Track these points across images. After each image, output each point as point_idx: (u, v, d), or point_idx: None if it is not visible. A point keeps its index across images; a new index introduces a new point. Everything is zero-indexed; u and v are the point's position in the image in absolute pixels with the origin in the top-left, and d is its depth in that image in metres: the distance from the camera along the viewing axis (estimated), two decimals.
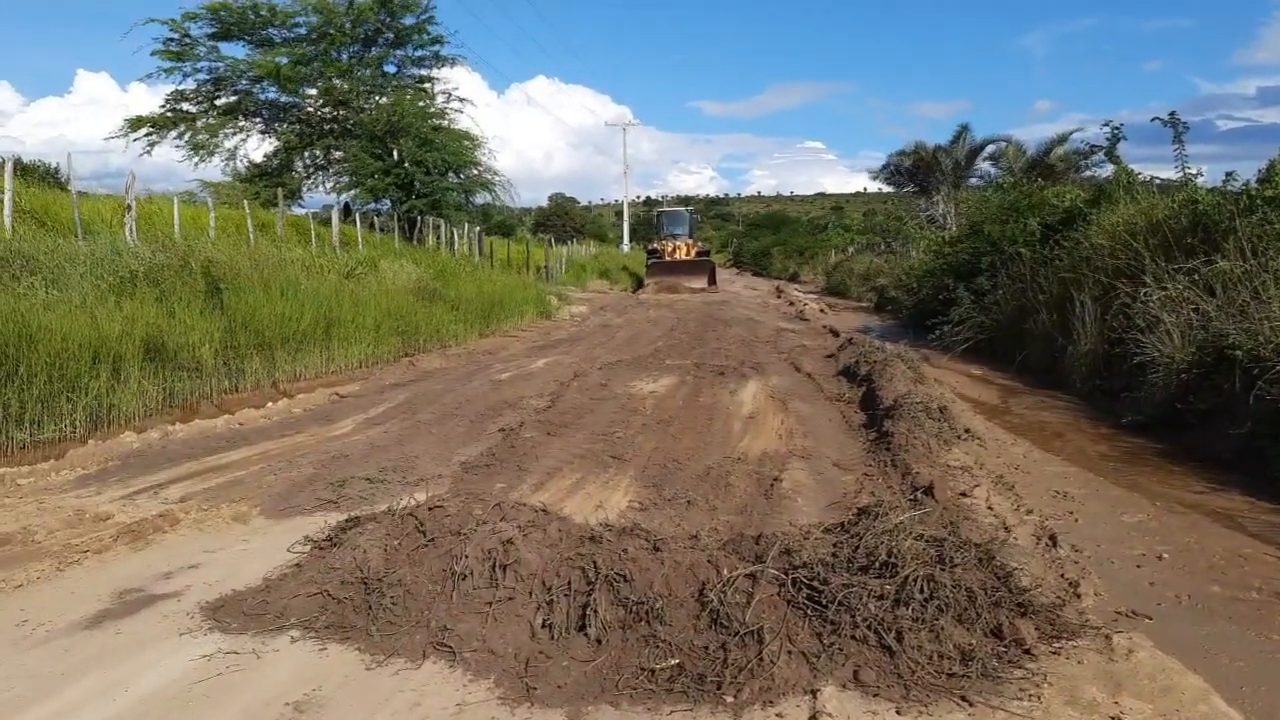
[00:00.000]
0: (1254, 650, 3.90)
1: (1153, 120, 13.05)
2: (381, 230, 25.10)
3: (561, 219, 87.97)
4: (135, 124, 27.22)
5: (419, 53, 30.42)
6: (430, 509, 4.67)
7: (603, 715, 3.33)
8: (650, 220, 48.75)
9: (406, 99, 28.86)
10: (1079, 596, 4.35)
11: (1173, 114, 12.74)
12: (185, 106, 28.08)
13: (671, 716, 3.30)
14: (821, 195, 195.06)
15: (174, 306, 10.41)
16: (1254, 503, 6.19)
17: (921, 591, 3.66)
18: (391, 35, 29.45)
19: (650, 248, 40.80)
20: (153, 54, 26.62)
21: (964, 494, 6.11)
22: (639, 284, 39.18)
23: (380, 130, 27.60)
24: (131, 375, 8.99)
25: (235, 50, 28.20)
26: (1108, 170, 15.44)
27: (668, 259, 36.89)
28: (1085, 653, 3.66)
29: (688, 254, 37.21)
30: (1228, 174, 11.08)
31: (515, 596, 4.00)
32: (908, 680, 3.40)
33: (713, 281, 35.51)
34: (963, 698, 3.31)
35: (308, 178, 30.28)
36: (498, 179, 32.15)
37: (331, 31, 27.83)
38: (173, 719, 3.34)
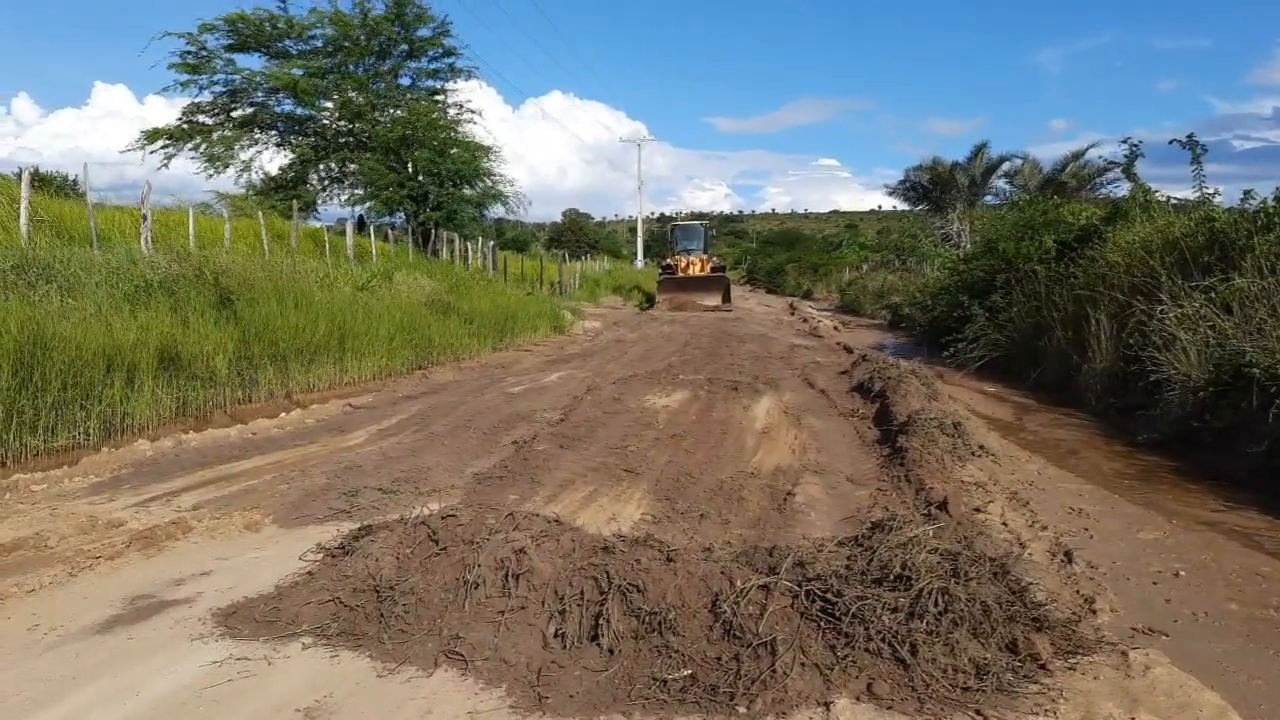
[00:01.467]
0: (1272, 668, 3.86)
1: (1171, 142, 13.05)
2: (395, 243, 25.16)
3: (575, 235, 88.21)
4: (152, 136, 27.36)
5: (434, 65, 30.60)
6: (443, 518, 4.67)
7: None
8: (664, 236, 47.31)
9: (420, 108, 28.96)
10: (1095, 612, 4.32)
11: (1190, 136, 12.74)
12: (201, 119, 28.23)
13: None
14: (836, 213, 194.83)
15: (188, 316, 10.43)
16: (1272, 521, 6.14)
17: (936, 605, 3.63)
18: (406, 47, 29.59)
19: (664, 263, 39.10)
20: (170, 67, 26.79)
21: (978, 509, 6.08)
22: (650, 301, 37.59)
23: (394, 142, 27.71)
24: (145, 384, 9.01)
25: (251, 62, 28.46)
26: (1123, 188, 15.46)
27: (680, 275, 35.20)
28: (1101, 669, 3.62)
29: (702, 269, 35.50)
30: (1246, 192, 11.07)
31: (527, 605, 3.99)
32: (922, 693, 3.37)
33: (727, 299, 33.58)
34: (977, 711, 3.28)
35: (323, 190, 30.41)
36: (511, 189, 32.21)
37: (347, 44, 27.98)
38: None
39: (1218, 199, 12.31)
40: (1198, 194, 12.52)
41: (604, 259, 70.97)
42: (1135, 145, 14.52)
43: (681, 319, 28.05)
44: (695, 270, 35.42)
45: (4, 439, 7.51)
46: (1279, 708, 3.50)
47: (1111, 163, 17.48)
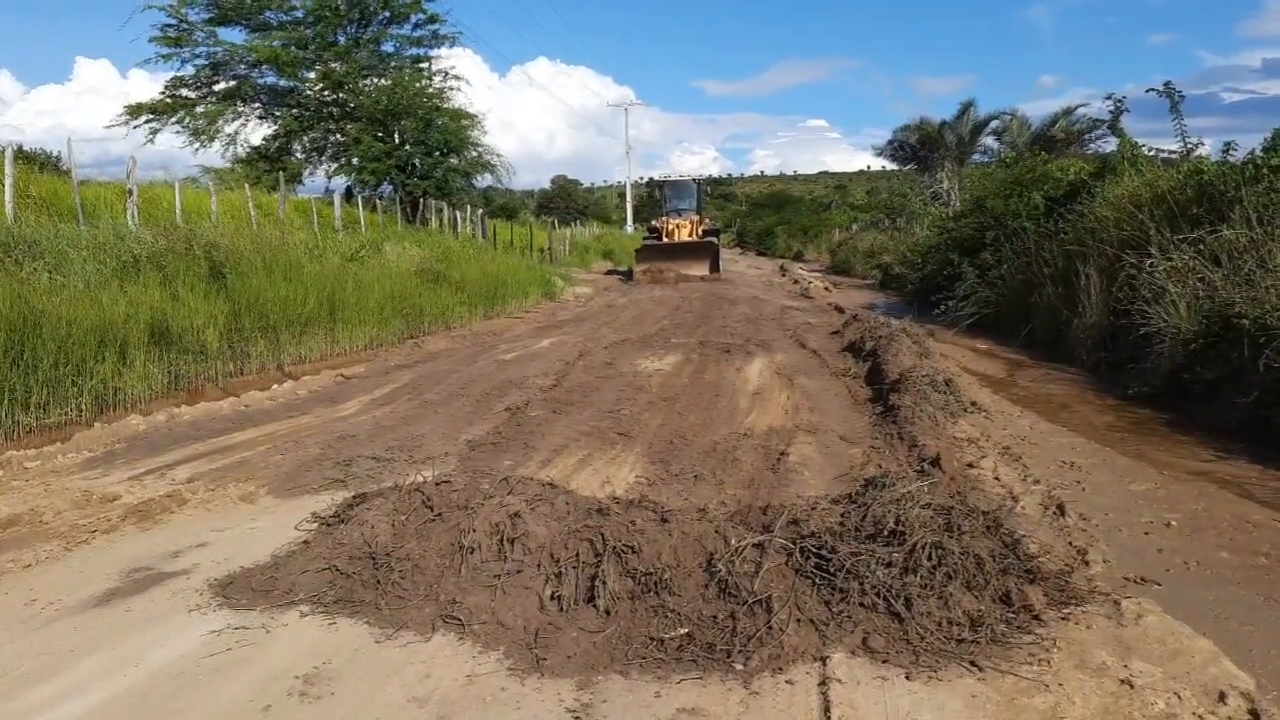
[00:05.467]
0: (1263, 614, 3.90)
1: (1148, 91, 13.05)
2: (384, 213, 25.07)
3: (564, 201, 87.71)
4: (135, 111, 27.14)
5: (416, 32, 30.33)
6: (437, 484, 4.68)
7: (612, 685, 3.34)
8: (653, 198, 42.74)
9: (405, 78, 28.77)
10: (1087, 563, 4.36)
11: (1168, 84, 12.71)
12: (184, 92, 27.99)
13: (681, 685, 3.30)
14: (825, 174, 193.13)
15: (178, 290, 10.39)
16: (1262, 470, 6.19)
17: (930, 559, 3.65)
18: (387, 15, 29.33)
19: (650, 225, 34.45)
20: (151, 40, 26.55)
21: (971, 465, 6.12)
22: (628, 275, 32.49)
23: (380, 112, 27.55)
24: (137, 359, 8.99)
25: (233, 35, 28.13)
26: (1112, 144, 15.42)
27: (664, 241, 30.64)
28: (1094, 618, 3.65)
29: (692, 233, 30.81)
30: (1226, 144, 11.11)
31: (523, 569, 4.00)
32: (917, 646, 3.40)
33: (716, 268, 29.29)
34: (972, 663, 3.31)
35: (308, 161, 30.22)
36: (499, 159, 32.04)
37: (327, 14, 27.71)
38: (183, 693, 3.35)
39: (1203, 149, 12.33)
40: (1180, 144, 12.54)
41: (594, 225, 70.75)
42: (1120, 101, 14.51)
43: (671, 283, 27.55)
44: (683, 234, 31.00)
45: None
46: (1270, 653, 3.54)
47: (1098, 120, 17.47)
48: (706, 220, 33.41)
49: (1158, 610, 3.73)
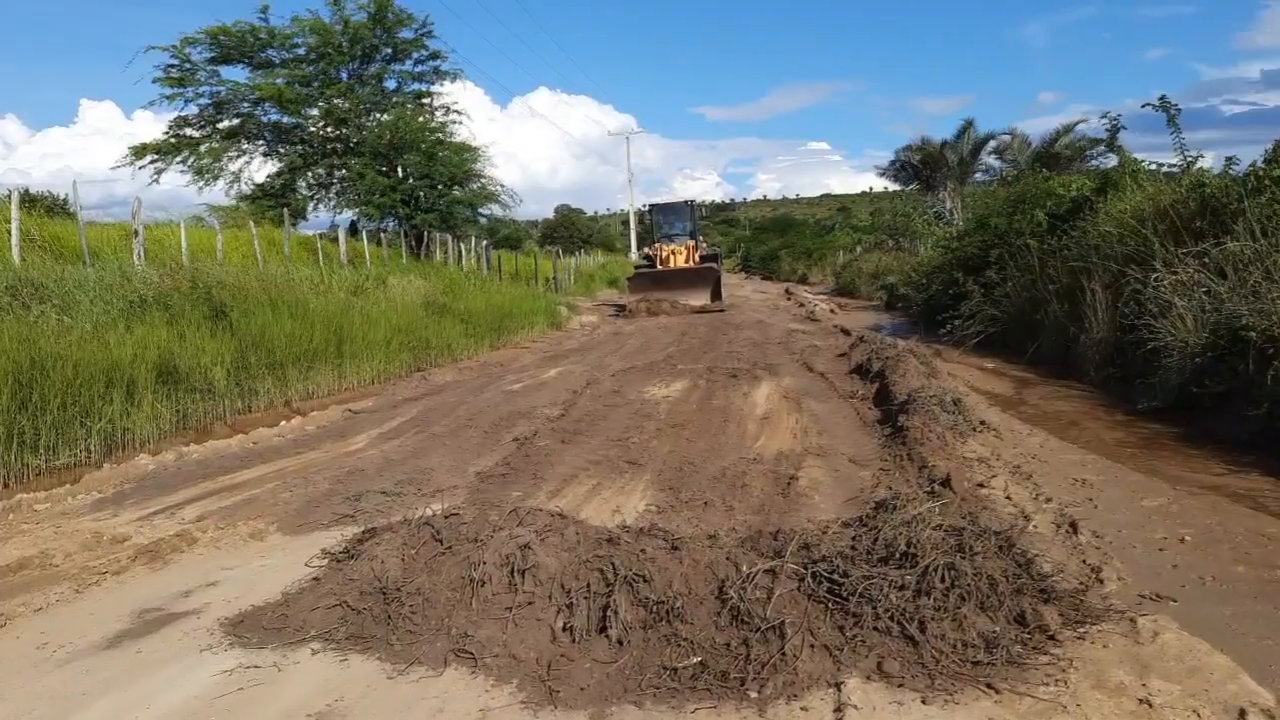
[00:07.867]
0: None
1: (1144, 106, 13.06)
2: (389, 247, 25.18)
3: (568, 230, 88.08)
4: (139, 151, 27.27)
5: (419, 68, 30.55)
6: (447, 517, 4.67)
7: (626, 716, 3.32)
8: (643, 223, 40.71)
9: (407, 114, 28.94)
10: (1102, 581, 4.32)
11: (1163, 98, 12.71)
12: (188, 132, 28.14)
13: (696, 715, 3.28)
14: (827, 196, 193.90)
15: (184, 329, 10.42)
16: (1275, 482, 6.13)
17: (942, 580, 3.63)
18: (390, 51, 29.54)
19: (643, 252, 32.95)
20: (154, 81, 26.72)
21: (981, 485, 6.09)
22: (620, 309, 29.21)
23: (383, 147, 27.70)
24: (144, 399, 8.99)
25: (236, 74, 28.32)
26: (1114, 159, 15.43)
27: (659, 269, 28.52)
28: (1111, 637, 3.62)
29: (689, 259, 28.45)
30: (1228, 159, 11.12)
31: (535, 601, 3.98)
32: (932, 670, 3.37)
33: (717, 296, 26.88)
34: (988, 685, 3.28)
35: (312, 197, 30.34)
36: (502, 190, 32.13)
37: (329, 51, 27.92)
38: None
39: (1203, 162, 12.33)
40: (1179, 157, 12.54)
41: (598, 253, 71.04)
42: (1115, 119, 14.52)
43: (677, 309, 26.51)
44: (679, 260, 28.48)
45: (6, 459, 7.50)
46: None
47: (1095, 140, 17.53)
48: (704, 244, 31.42)
49: (1174, 627, 3.69)
